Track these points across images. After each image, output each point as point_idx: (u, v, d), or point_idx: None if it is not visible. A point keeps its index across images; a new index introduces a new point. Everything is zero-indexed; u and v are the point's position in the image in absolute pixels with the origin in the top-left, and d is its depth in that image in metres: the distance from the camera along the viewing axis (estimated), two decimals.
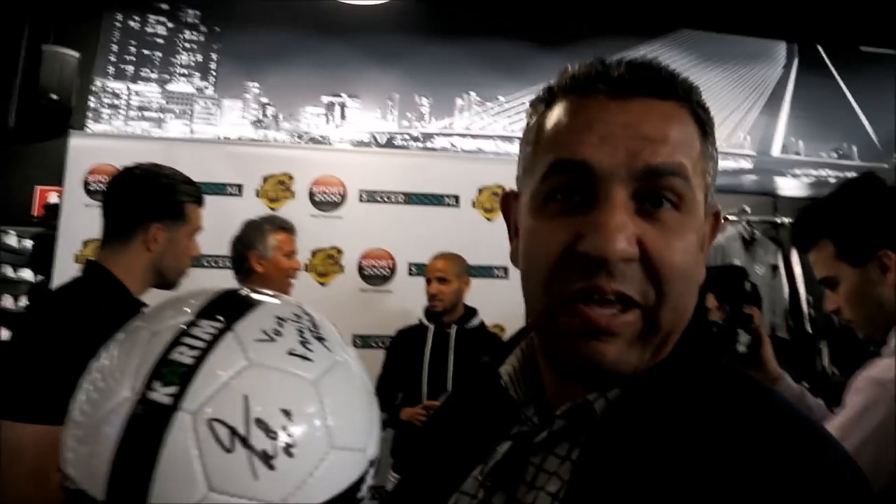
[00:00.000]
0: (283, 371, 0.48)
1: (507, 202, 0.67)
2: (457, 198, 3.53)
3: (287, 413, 0.45)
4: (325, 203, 3.43)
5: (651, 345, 0.55)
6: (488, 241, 3.35)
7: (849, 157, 5.00)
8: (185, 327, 0.48)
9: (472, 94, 4.55)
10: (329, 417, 0.48)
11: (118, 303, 1.47)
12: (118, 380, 0.46)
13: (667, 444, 0.50)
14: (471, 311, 2.93)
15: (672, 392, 0.54)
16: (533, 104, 0.63)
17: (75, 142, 3.29)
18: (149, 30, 4.24)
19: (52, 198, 3.79)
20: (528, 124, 0.63)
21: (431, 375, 2.75)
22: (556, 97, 0.59)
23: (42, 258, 3.35)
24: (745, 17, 4.89)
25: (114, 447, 0.44)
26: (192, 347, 0.47)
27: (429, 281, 2.90)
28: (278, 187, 3.40)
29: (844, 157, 4.99)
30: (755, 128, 4.88)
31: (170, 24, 4.27)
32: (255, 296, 0.54)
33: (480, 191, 3.54)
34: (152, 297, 1.45)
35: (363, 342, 3.32)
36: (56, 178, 3.42)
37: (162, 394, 0.44)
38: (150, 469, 0.42)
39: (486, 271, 3.34)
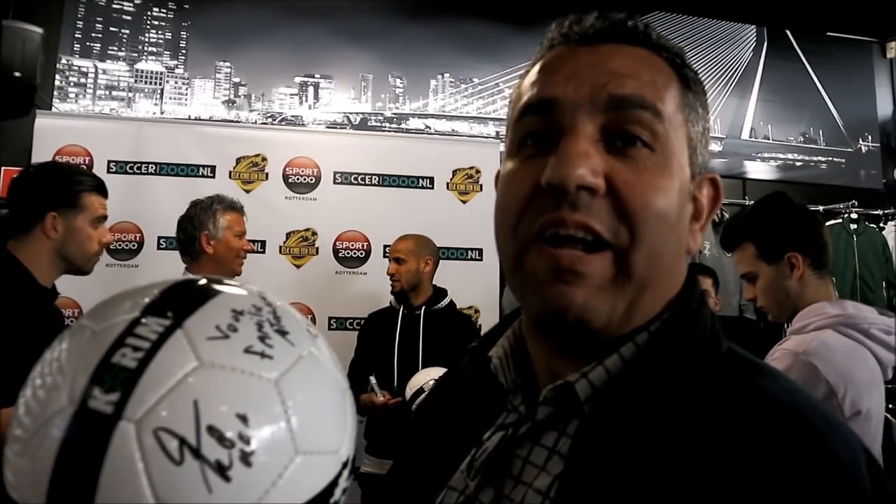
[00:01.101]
0: (239, 371, 0.43)
1: (499, 178, 0.66)
2: (431, 179, 3.55)
3: (243, 418, 0.41)
4: (300, 185, 3.42)
5: (624, 293, 0.52)
6: (463, 222, 3.37)
7: (815, 141, 5.11)
8: (129, 326, 0.43)
9: (447, 75, 4.53)
10: (293, 419, 0.43)
11: (21, 288, 1.64)
12: (57, 387, 0.42)
13: (660, 442, 0.47)
14: (440, 292, 2.96)
15: (662, 380, 0.51)
16: (521, 74, 0.63)
17: (41, 122, 3.22)
18: (115, 6, 4.13)
19: None
20: (513, 89, 0.63)
21: (401, 357, 2.78)
22: (536, 60, 0.60)
23: (7, 239, 3.29)
24: (716, 1, 4.94)
25: (51, 463, 0.40)
26: (137, 349, 0.42)
27: (390, 261, 2.93)
28: (252, 169, 3.37)
29: (811, 141, 5.10)
30: (725, 111, 4.95)
31: (137, 1, 4.17)
32: (209, 287, 0.48)
33: (455, 173, 3.55)
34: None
35: (338, 324, 3.34)
36: (22, 158, 3.35)
37: (102, 402, 0.40)
38: (92, 486, 0.38)
39: (460, 253, 3.37)
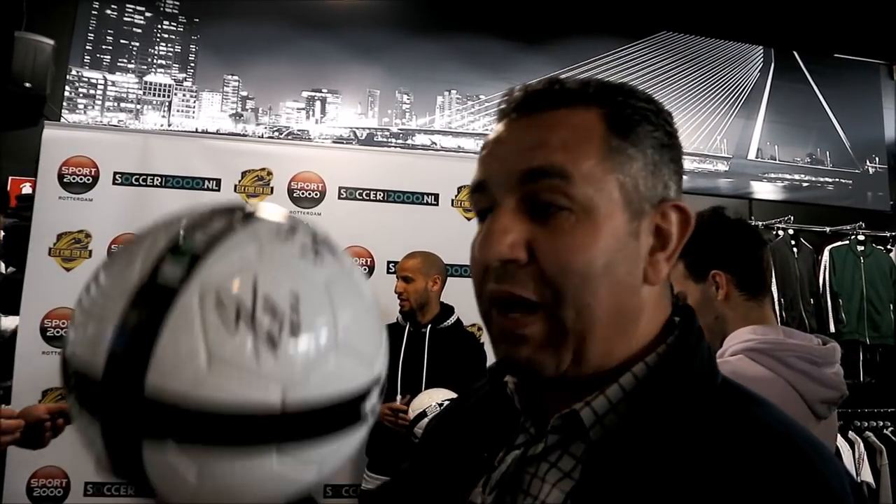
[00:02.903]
0: (295, 264, 0.47)
1: None
2: (436, 196, 3.54)
3: (296, 297, 0.45)
4: (304, 199, 3.42)
5: (566, 346, 0.56)
6: (467, 240, 3.31)
7: (822, 162, 5.09)
8: (199, 218, 0.49)
9: (454, 91, 4.55)
10: (338, 316, 0.47)
11: None
12: (130, 261, 0.46)
13: (663, 464, 0.52)
14: (447, 310, 2.94)
15: (664, 410, 0.55)
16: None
17: (49, 133, 3.23)
18: (126, 18, 4.17)
19: (26, 188, 3.72)
20: None
21: (406, 375, 2.75)
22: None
23: (15, 250, 3.29)
24: (724, 22, 4.95)
25: (117, 324, 0.43)
26: (208, 233, 0.47)
27: (398, 279, 2.90)
28: (257, 182, 3.38)
29: (818, 162, 5.09)
30: (731, 131, 4.95)
31: (148, 14, 4.20)
32: (273, 207, 0.55)
33: (460, 189, 3.55)
34: None
35: None
36: (30, 168, 3.36)
37: (170, 273, 0.44)
38: (150, 344, 0.41)
39: (464, 270, 3.35)
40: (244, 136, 4.11)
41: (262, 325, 0.43)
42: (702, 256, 1.52)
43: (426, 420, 2.30)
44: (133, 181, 3.24)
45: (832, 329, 4.40)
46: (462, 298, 3.03)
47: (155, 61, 4.19)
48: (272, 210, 0.54)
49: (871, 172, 5.19)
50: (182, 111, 4.17)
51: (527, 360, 0.57)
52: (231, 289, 0.43)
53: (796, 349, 1.38)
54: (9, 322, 3.18)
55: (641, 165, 0.59)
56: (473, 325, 3.16)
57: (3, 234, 3.48)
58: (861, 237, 4.60)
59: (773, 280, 4.20)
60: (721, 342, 1.50)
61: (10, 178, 3.81)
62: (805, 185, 5.02)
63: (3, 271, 3.87)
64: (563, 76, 0.63)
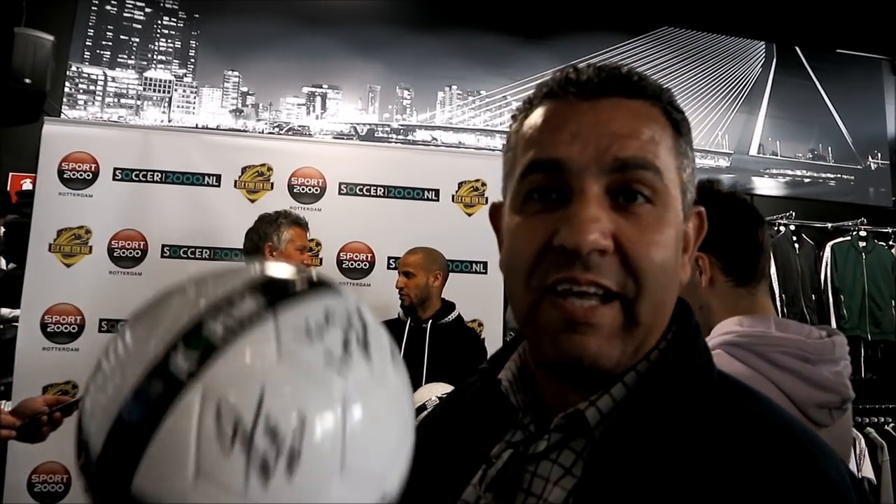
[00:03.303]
0: (313, 375, 0.43)
1: (494, 213, 0.68)
2: (437, 192, 3.53)
3: (303, 420, 0.41)
4: (304, 195, 3.41)
5: (632, 339, 0.56)
6: (468, 235, 3.35)
7: (824, 158, 5.08)
8: (228, 299, 0.44)
9: (454, 87, 4.54)
10: (350, 436, 0.43)
11: None
12: (147, 336, 0.44)
13: (664, 458, 0.52)
14: (448, 306, 2.94)
15: (664, 406, 0.56)
16: (513, 115, 0.65)
17: (49, 128, 3.22)
18: (126, 14, 4.16)
19: (26, 185, 3.72)
20: (508, 133, 0.65)
21: (407, 370, 2.75)
22: (533, 105, 0.62)
23: (15, 246, 3.29)
24: (726, 17, 4.94)
25: (120, 404, 0.41)
26: (227, 323, 0.43)
27: (399, 275, 2.91)
28: (257, 178, 3.37)
29: (819, 158, 5.07)
30: (733, 127, 4.94)
31: (148, 9, 4.19)
32: (314, 284, 0.49)
33: (460, 185, 3.53)
34: None
35: None
36: (30, 164, 3.36)
37: (181, 363, 0.41)
38: (147, 437, 0.40)
39: (465, 266, 3.35)
40: (244, 131, 4.10)
41: (258, 450, 0.39)
42: None
43: (425, 414, 2.29)
44: (133, 177, 3.23)
45: (833, 325, 4.40)
46: (463, 294, 3.03)
47: (155, 57, 4.18)
48: (315, 291, 0.48)
49: (873, 168, 5.17)
50: (182, 107, 4.16)
51: (595, 352, 0.55)
52: (234, 401, 0.40)
53: (785, 344, 1.18)
54: (5, 310, 3.20)
55: (691, 170, 0.61)
56: (474, 321, 3.16)
57: (3, 230, 3.48)
58: (863, 233, 4.59)
59: (774, 270, 4.20)
60: (708, 332, 1.29)
61: (10, 174, 3.81)
62: (807, 180, 5.01)
63: (4, 267, 3.88)
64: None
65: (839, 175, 5.09)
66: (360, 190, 3.46)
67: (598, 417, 0.57)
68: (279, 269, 0.49)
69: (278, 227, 2.71)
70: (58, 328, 3.07)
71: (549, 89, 0.61)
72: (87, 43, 4.08)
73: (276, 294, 0.46)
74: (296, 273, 0.50)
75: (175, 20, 4.23)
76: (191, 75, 4.21)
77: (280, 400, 0.41)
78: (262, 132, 4.14)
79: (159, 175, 3.25)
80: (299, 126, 4.26)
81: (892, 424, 4.03)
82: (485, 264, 3.40)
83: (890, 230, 4.75)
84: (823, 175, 5.06)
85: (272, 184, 3.38)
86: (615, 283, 0.54)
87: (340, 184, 3.44)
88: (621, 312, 0.55)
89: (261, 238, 2.70)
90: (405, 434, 0.49)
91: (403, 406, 0.50)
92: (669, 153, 0.58)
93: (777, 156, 5.00)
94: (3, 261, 3.89)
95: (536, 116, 0.60)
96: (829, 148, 5.11)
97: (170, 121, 4.10)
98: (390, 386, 0.48)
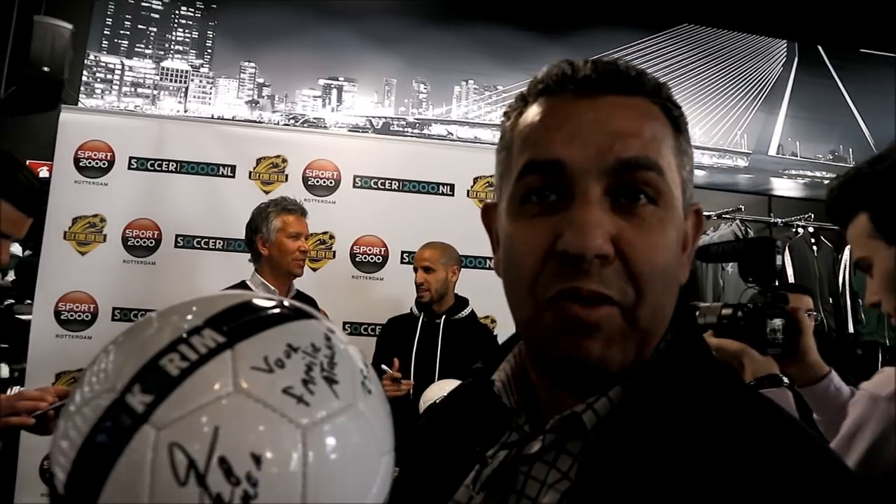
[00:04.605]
0: (271, 409, 0.41)
1: (487, 213, 0.67)
2: (452, 186, 3.51)
3: (257, 459, 0.39)
4: (319, 187, 3.40)
5: (632, 342, 0.55)
6: (482, 231, 3.31)
7: (845, 159, 5.00)
8: (186, 333, 0.44)
9: (471, 81, 4.51)
10: (311, 472, 0.41)
11: None
12: (108, 374, 0.43)
13: (663, 463, 0.51)
14: (462, 302, 2.92)
15: (661, 407, 0.54)
16: (506, 112, 0.63)
17: (66, 117, 3.24)
18: (144, 4, 4.16)
19: (42, 172, 3.74)
20: (502, 130, 0.63)
21: (419, 366, 2.74)
22: (528, 102, 0.60)
23: (30, 233, 3.30)
24: (747, 15, 4.87)
25: (80, 442, 0.41)
26: (184, 358, 0.42)
27: (416, 270, 2.88)
28: (271, 170, 3.36)
29: (840, 159, 5.00)
30: (752, 126, 4.87)
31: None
32: (276, 313, 0.47)
33: (476, 180, 3.51)
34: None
35: (353, 329, 3.31)
36: (47, 152, 3.37)
37: (137, 400, 0.41)
38: (104, 476, 0.39)
39: (479, 262, 3.33)
40: (260, 122, 4.09)
41: (212, 489, 0.38)
42: None
43: None
44: (148, 166, 3.24)
45: (851, 330, 4.33)
46: (475, 290, 3.01)
47: (172, 47, 4.19)
48: (280, 321, 0.47)
49: None
50: (198, 97, 4.16)
51: (598, 355, 0.54)
52: (187, 438, 0.39)
53: None
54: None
55: (690, 168, 0.60)
56: (487, 317, 3.14)
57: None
58: None
59: (791, 273, 4.15)
60: None
61: (27, 161, 3.82)
62: (827, 182, 4.93)
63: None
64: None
65: None
66: (375, 183, 3.45)
67: (595, 420, 0.56)
68: (245, 299, 0.48)
69: (266, 217, 2.62)
70: (71, 316, 3.09)
71: (544, 85, 0.59)
72: (105, 32, 4.09)
73: (235, 326, 0.45)
74: (264, 302, 0.48)
75: (192, 10, 4.23)
76: (207, 66, 4.21)
77: (234, 437, 0.40)
78: (278, 124, 4.13)
79: (174, 165, 3.26)
80: (315, 118, 4.25)
81: None
82: None
83: None
84: None
85: (287, 175, 3.37)
86: (616, 292, 0.53)
87: (355, 177, 3.43)
88: (621, 316, 0.54)
89: (253, 231, 2.64)
90: (376, 459, 0.47)
91: (375, 430, 0.47)
92: (670, 151, 0.57)
93: (797, 156, 4.92)
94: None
95: (532, 114, 0.58)
96: (850, 149, 5.02)
97: (186, 111, 4.10)
98: (359, 413, 0.46)
